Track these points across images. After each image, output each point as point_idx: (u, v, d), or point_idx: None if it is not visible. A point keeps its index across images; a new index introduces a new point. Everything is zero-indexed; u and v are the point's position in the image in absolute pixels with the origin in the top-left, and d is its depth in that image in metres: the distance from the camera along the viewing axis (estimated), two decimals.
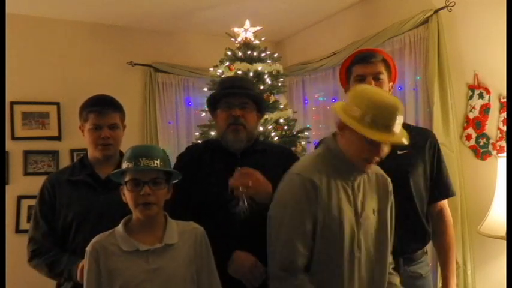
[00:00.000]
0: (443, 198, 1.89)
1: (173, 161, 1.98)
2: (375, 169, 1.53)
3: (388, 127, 1.32)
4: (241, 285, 1.66)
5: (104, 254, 1.43)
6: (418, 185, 1.79)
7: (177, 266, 1.45)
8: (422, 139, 1.85)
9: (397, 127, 1.35)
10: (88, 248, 1.46)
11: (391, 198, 1.54)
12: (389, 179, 1.54)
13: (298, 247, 1.38)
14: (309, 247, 1.40)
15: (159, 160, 1.45)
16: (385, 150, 1.38)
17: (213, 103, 1.92)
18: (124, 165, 1.47)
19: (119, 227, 1.48)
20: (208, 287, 1.50)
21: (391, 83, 1.89)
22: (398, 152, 1.77)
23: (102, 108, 1.86)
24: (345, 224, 1.41)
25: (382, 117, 1.32)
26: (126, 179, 1.46)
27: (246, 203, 1.62)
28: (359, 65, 1.83)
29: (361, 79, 1.81)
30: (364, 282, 1.45)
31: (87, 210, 1.80)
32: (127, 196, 1.46)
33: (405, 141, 1.37)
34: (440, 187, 1.86)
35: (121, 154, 1.97)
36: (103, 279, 1.42)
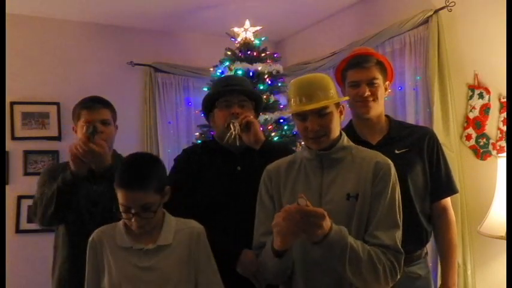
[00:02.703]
0: (445, 196, 1.87)
1: (172, 161, 1.99)
2: (370, 154, 1.50)
3: (301, 99, 1.43)
4: (248, 283, 1.68)
5: (101, 247, 1.48)
6: (417, 184, 1.78)
7: (168, 266, 1.46)
8: (420, 137, 1.84)
9: (312, 98, 1.42)
10: (90, 240, 1.51)
11: (382, 184, 1.42)
12: (384, 165, 1.45)
13: (266, 226, 1.49)
14: None
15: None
16: (313, 122, 1.43)
17: (210, 103, 1.92)
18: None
19: (121, 222, 1.51)
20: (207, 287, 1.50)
21: (388, 82, 1.88)
22: (396, 152, 1.77)
23: (93, 104, 1.89)
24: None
25: (294, 92, 1.46)
26: (119, 200, 1.46)
27: (236, 130, 1.80)
28: (352, 70, 1.82)
29: (355, 85, 1.80)
30: (322, 264, 1.39)
31: (82, 200, 1.81)
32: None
33: (321, 104, 1.41)
34: (441, 185, 1.85)
35: (115, 153, 1.98)
36: (96, 271, 1.48)
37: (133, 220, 1.42)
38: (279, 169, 1.57)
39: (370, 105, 1.79)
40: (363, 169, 1.45)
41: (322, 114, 1.44)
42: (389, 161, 1.47)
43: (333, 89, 1.48)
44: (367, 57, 1.83)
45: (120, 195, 1.43)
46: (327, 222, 1.25)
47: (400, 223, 1.42)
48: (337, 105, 1.49)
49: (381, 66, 1.83)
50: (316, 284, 1.42)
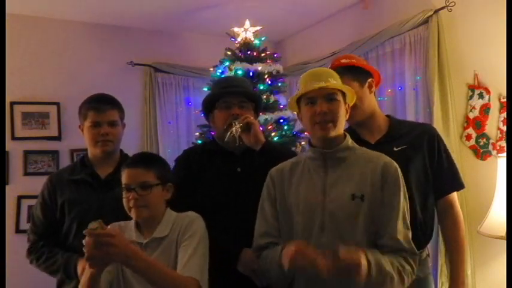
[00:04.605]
0: (450, 192, 1.84)
1: (172, 161, 1.99)
2: (375, 155, 1.52)
3: (310, 83, 1.47)
4: (249, 281, 1.69)
5: None
6: (417, 181, 1.76)
7: (167, 257, 1.48)
8: (419, 134, 1.83)
9: (321, 82, 1.46)
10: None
11: (394, 189, 1.45)
12: (392, 168, 1.48)
13: (262, 227, 1.55)
14: (274, 227, 1.55)
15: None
16: (322, 104, 1.46)
17: (210, 104, 1.92)
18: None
19: (133, 220, 1.56)
20: (183, 261, 1.45)
21: (371, 79, 1.84)
22: (395, 149, 1.76)
23: (100, 105, 1.87)
24: (301, 205, 1.48)
25: (304, 79, 1.51)
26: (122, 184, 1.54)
27: (237, 130, 1.80)
28: None
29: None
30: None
31: (88, 210, 1.81)
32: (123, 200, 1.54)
33: (332, 85, 1.46)
34: (444, 181, 1.82)
35: (121, 153, 1.98)
36: None
37: (130, 197, 1.48)
38: (283, 171, 1.58)
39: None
40: (368, 170, 1.47)
41: (331, 98, 1.47)
42: (395, 163, 1.50)
43: (339, 81, 1.53)
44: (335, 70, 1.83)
45: (124, 176, 1.52)
46: (362, 264, 1.28)
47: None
48: (344, 102, 1.52)
49: (353, 71, 1.81)
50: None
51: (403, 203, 1.46)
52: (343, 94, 1.52)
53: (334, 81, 1.49)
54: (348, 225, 1.42)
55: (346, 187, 1.46)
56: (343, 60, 1.86)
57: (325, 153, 1.49)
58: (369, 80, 1.85)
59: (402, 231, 1.43)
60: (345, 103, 1.53)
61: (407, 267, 1.41)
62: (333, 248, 1.34)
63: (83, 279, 1.37)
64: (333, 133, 1.47)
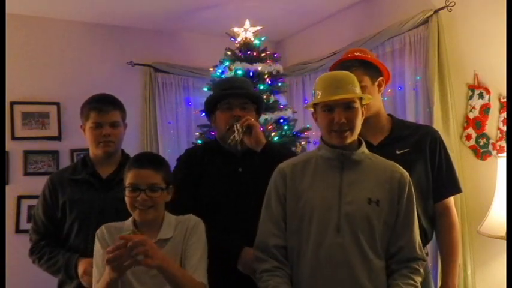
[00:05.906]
0: (448, 196, 1.85)
1: (172, 161, 1.99)
2: (389, 164, 1.56)
3: (329, 90, 1.47)
4: (249, 280, 1.69)
5: (110, 239, 1.49)
6: (419, 185, 1.76)
7: (171, 259, 1.47)
8: (422, 137, 1.83)
9: (340, 90, 1.46)
10: (98, 232, 1.54)
11: (409, 200, 1.51)
12: (407, 178, 1.53)
13: (269, 227, 1.53)
14: (281, 228, 1.53)
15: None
16: (340, 113, 1.46)
17: (212, 105, 1.92)
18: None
19: (130, 219, 1.55)
20: (193, 265, 1.49)
21: (381, 78, 1.85)
22: (397, 152, 1.76)
23: (103, 105, 1.87)
24: (316, 204, 1.48)
25: (322, 84, 1.51)
26: (126, 183, 1.52)
27: (239, 133, 1.78)
28: None
29: None
30: (341, 265, 1.43)
31: (89, 209, 1.82)
32: (126, 199, 1.52)
33: (352, 95, 1.47)
34: (444, 184, 1.83)
35: (123, 153, 1.98)
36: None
37: (139, 198, 1.46)
38: (295, 167, 1.58)
39: None
40: (384, 178, 1.51)
41: (349, 107, 1.48)
42: (407, 173, 1.55)
43: (358, 87, 1.53)
44: (348, 62, 1.82)
45: (130, 176, 1.49)
46: None
47: None
48: (361, 105, 1.53)
49: (365, 65, 1.81)
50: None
51: (416, 213, 1.53)
52: (360, 97, 1.54)
53: (354, 87, 1.50)
54: (364, 227, 1.45)
55: (362, 190, 1.48)
56: (357, 54, 1.86)
57: (344, 154, 1.50)
58: (379, 78, 1.85)
59: (417, 240, 1.51)
60: (362, 106, 1.54)
61: (420, 278, 1.48)
62: (349, 249, 1.41)
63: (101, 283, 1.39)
64: (349, 140, 1.50)
